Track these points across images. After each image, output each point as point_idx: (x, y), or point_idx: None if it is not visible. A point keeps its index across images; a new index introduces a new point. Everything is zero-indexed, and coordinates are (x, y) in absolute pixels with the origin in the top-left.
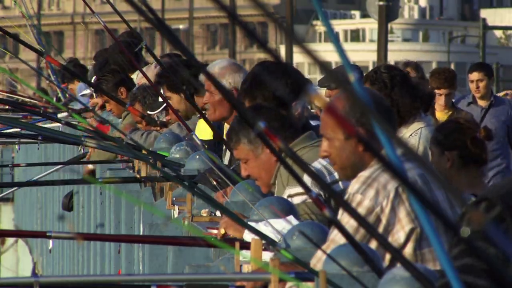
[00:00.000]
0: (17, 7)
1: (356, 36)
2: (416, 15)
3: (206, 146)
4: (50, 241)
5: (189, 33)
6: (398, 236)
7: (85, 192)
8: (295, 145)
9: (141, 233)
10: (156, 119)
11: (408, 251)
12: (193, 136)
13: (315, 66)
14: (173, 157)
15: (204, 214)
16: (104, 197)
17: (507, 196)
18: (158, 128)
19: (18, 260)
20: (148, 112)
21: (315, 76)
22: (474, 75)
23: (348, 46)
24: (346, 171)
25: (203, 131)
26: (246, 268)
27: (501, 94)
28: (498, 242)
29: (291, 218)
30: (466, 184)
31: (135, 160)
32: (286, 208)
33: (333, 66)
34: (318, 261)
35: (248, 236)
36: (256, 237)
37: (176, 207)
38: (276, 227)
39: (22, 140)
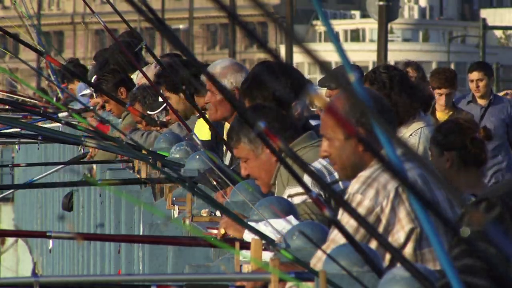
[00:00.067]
0: (17, 7)
1: (356, 36)
2: (416, 15)
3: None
4: (50, 241)
5: (189, 33)
6: (398, 236)
7: (85, 192)
8: (295, 145)
9: (141, 233)
10: (156, 119)
11: (408, 251)
12: (193, 136)
13: (315, 66)
14: (173, 157)
15: (204, 214)
16: (104, 197)
17: (507, 197)
18: (158, 128)
19: (18, 260)
20: (148, 112)
21: (315, 76)
22: (474, 75)
23: (348, 46)
24: (346, 171)
25: (200, 132)
26: (246, 268)
27: (501, 94)
28: (498, 242)
29: (291, 218)
30: (466, 184)
31: (135, 160)
32: (286, 208)
33: (333, 66)
34: (318, 261)
35: (248, 236)
36: (256, 237)
37: (176, 207)
38: (276, 227)
39: (22, 140)
